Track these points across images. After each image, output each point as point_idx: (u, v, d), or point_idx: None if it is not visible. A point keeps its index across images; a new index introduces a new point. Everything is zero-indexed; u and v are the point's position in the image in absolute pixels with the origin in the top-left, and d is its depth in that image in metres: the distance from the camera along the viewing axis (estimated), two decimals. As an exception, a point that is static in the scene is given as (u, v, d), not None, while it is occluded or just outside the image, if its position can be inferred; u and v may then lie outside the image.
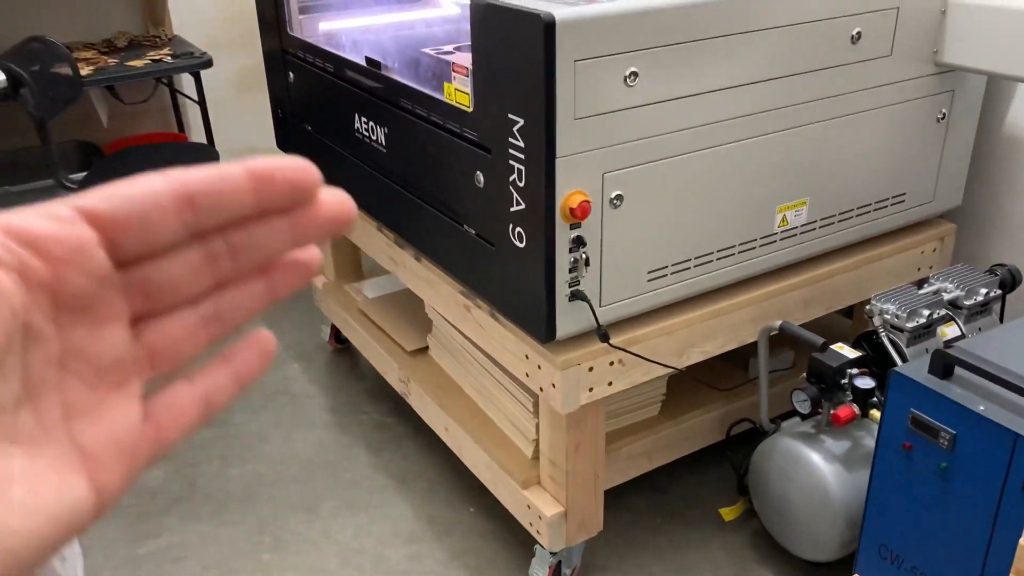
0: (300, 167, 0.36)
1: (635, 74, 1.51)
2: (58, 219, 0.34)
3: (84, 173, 3.01)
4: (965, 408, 1.44)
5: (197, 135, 3.90)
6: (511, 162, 1.56)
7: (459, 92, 1.68)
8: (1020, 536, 1.27)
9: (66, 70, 2.81)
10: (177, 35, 3.67)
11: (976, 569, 1.50)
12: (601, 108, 1.51)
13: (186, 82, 3.70)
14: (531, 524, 1.90)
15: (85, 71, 3.08)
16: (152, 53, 3.32)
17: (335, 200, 0.39)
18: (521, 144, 1.52)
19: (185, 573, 2.07)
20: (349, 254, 2.77)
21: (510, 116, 1.53)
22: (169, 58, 3.26)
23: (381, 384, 2.74)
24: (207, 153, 3.11)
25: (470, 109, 1.66)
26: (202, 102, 3.36)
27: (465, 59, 1.67)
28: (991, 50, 1.84)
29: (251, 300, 0.38)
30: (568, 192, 1.52)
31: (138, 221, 0.34)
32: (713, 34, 1.58)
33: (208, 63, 3.27)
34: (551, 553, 1.90)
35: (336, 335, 2.92)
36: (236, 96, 3.96)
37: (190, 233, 0.35)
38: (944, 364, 1.51)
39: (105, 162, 3.06)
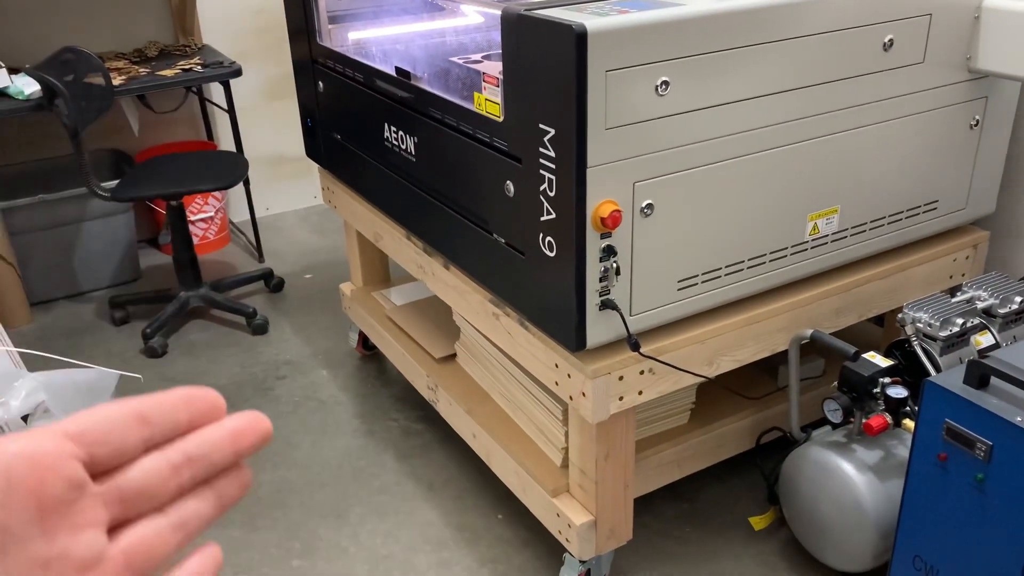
0: (211, 396, 0.45)
1: (666, 83, 1.51)
2: (43, 435, 0.40)
3: (116, 181, 3.05)
4: (1002, 419, 1.43)
5: (226, 143, 3.94)
6: (542, 172, 1.57)
7: (489, 102, 1.69)
8: (1060, 549, 1.26)
9: (99, 80, 2.85)
10: (207, 44, 3.71)
11: (1013, 582, 1.49)
12: (632, 118, 1.51)
13: (215, 91, 3.75)
14: (560, 532, 1.90)
15: (117, 81, 3.13)
16: (182, 63, 3.36)
17: (248, 421, 0.46)
18: (552, 154, 1.53)
19: (217, 578, 2.08)
20: (377, 261, 2.79)
21: (541, 126, 1.53)
22: (199, 67, 3.30)
23: (409, 391, 2.75)
24: (236, 161, 3.14)
25: (500, 119, 1.66)
26: (231, 111, 3.40)
27: (495, 68, 1.68)
28: (1025, 56, 1.82)
29: (207, 508, 0.44)
30: (599, 202, 1.53)
31: (107, 435, 0.41)
32: (744, 43, 1.58)
33: (238, 72, 3.31)
34: (580, 561, 1.90)
35: (364, 342, 2.93)
36: (265, 105, 4.00)
37: (148, 445, 0.42)
38: (980, 374, 1.49)
39: (136, 170, 3.10)
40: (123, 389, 2.81)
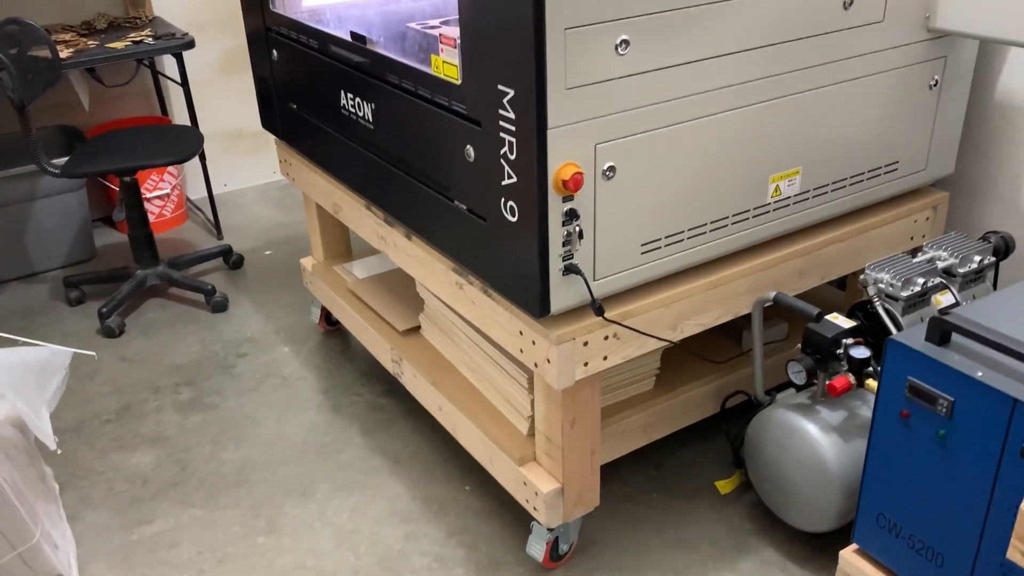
0: None
1: (626, 42, 1.49)
2: None
3: (67, 158, 2.96)
4: (963, 374, 1.43)
5: (181, 117, 3.85)
6: (502, 135, 1.54)
7: (447, 64, 1.66)
8: (1021, 501, 1.27)
9: (45, 53, 2.76)
10: (158, 16, 3.61)
11: (975, 536, 1.50)
12: (592, 78, 1.48)
13: (169, 65, 3.65)
14: (527, 501, 1.89)
15: (64, 53, 3.03)
16: (133, 35, 3.27)
17: None
18: (512, 116, 1.50)
19: (179, 558, 2.05)
20: (338, 234, 2.74)
21: (500, 87, 1.50)
22: (150, 40, 3.21)
23: (374, 365, 2.72)
24: (191, 135, 3.06)
25: (459, 82, 1.63)
26: (185, 84, 3.32)
27: (453, 31, 1.64)
28: (983, 14, 1.82)
29: None
30: (560, 164, 1.50)
31: None
32: (704, 1, 1.56)
33: (190, 44, 3.22)
34: (548, 529, 1.90)
35: (327, 317, 2.89)
36: (220, 78, 3.91)
37: None
38: (941, 331, 1.50)
39: (87, 146, 3.01)
40: (77, 368, 2.76)
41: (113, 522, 2.17)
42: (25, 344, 1.91)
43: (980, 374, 1.42)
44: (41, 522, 1.85)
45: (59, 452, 2.38)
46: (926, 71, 1.96)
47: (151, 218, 3.60)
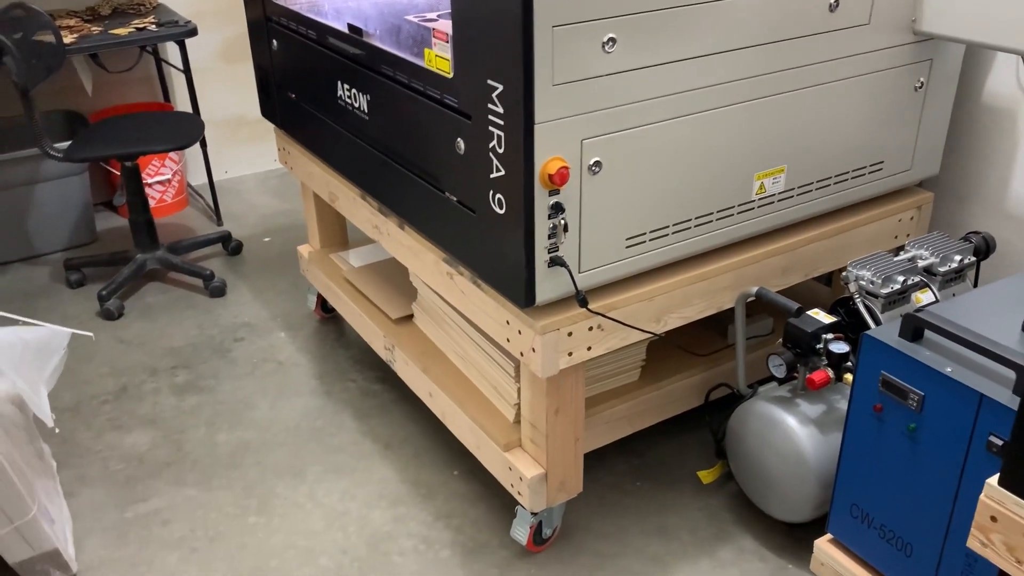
0: None
1: (613, 40, 1.53)
2: None
3: (69, 142, 3.00)
4: (933, 370, 1.48)
5: (183, 104, 3.89)
6: (491, 128, 1.58)
7: (439, 58, 1.69)
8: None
9: (49, 38, 2.80)
10: (161, 3, 3.65)
11: (941, 526, 1.55)
12: (579, 74, 1.52)
13: (172, 52, 3.69)
14: (512, 486, 1.94)
15: (68, 39, 3.07)
16: (136, 21, 3.31)
17: None
18: (500, 110, 1.54)
19: (172, 536, 2.10)
20: (335, 223, 2.78)
21: (489, 82, 1.54)
22: (154, 26, 3.25)
23: (367, 352, 2.77)
24: (192, 122, 3.10)
25: (450, 75, 1.67)
26: (187, 71, 3.36)
27: (446, 25, 1.68)
28: (969, 19, 1.85)
29: None
30: (547, 158, 1.54)
31: None
32: (690, 1, 1.59)
33: (193, 31, 3.26)
34: (532, 513, 1.94)
35: (322, 304, 2.94)
36: (221, 66, 3.95)
37: None
38: (914, 327, 1.54)
39: (90, 131, 3.05)
40: (76, 349, 2.80)
41: (108, 500, 2.22)
42: (25, 324, 1.96)
43: (949, 370, 1.47)
44: (38, 497, 1.90)
45: (57, 431, 2.43)
46: (912, 73, 2.00)
47: (152, 203, 3.64)
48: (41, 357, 1.91)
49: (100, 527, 2.13)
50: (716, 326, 2.26)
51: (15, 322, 1.90)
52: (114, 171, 3.70)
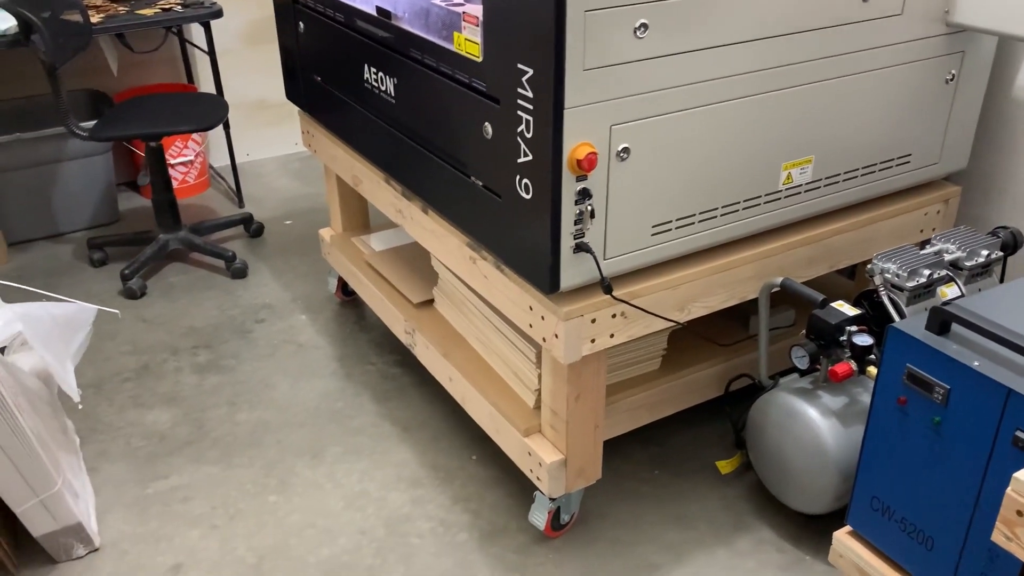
0: None
1: (645, 26, 1.52)
2: None
3: (94, 121, 3.02)
4: (960, 363, 1.47)
5: (207, 86, 3.90)
6: (519, 113, 1.58)
7: (469, 42, 1.69)
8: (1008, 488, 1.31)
9: (76, 17, 2.82)
10: (187, -16, 3.65)
11: (964, 520, 1.54)
12: (610, 60, 1.52)
13: (196, 33, 3.70)
14: (531, 471, 1.94)
15: (95, 18, 3.09)
16: (162, 2, 3.32)
17: None
18: (530, 95, 1.54)
19: (192, 513, 2.12)
20: (357, 207, 2.79)
21: (519, 66, 1.54)
22: (179, 7, 3.26)
23: (387, 335, 2.78)
24: (216, 104, 3.12)
25: (479, 59, 1.67)
26: (212, 53, 3.37)
27: (476, 9, 1.68)
28: (1002, 10, 1.84)
29: None
30: (575, 144, 1.54)
31: None
32: (723, -12, 1.58)
33: (218, 13, 3.27)
34: (550, 499, 1.95)
35: (343, 287, 2.95)
36: (246, 48, 3.96)
37: None
38: (941, 320, 1.53)
39: (115, 110, 3.07)
40: (98, 327, 2.83)
41: (130, 476, 2.24)
42: (52, 299, 1.98)
43: (976, 364, 1.46)
44: (63, 471, 1.92)
45: (81, 406, 2.46)
46: (943, 65, 1.98)
47: (174, 184, 3.66)
48: (68, 333, 1.93)
49: (121, 503, 2.16)
50: (738, 316, 2.26)
51: (43, 298, 1.92)
52: (138, 151, 3.72)
